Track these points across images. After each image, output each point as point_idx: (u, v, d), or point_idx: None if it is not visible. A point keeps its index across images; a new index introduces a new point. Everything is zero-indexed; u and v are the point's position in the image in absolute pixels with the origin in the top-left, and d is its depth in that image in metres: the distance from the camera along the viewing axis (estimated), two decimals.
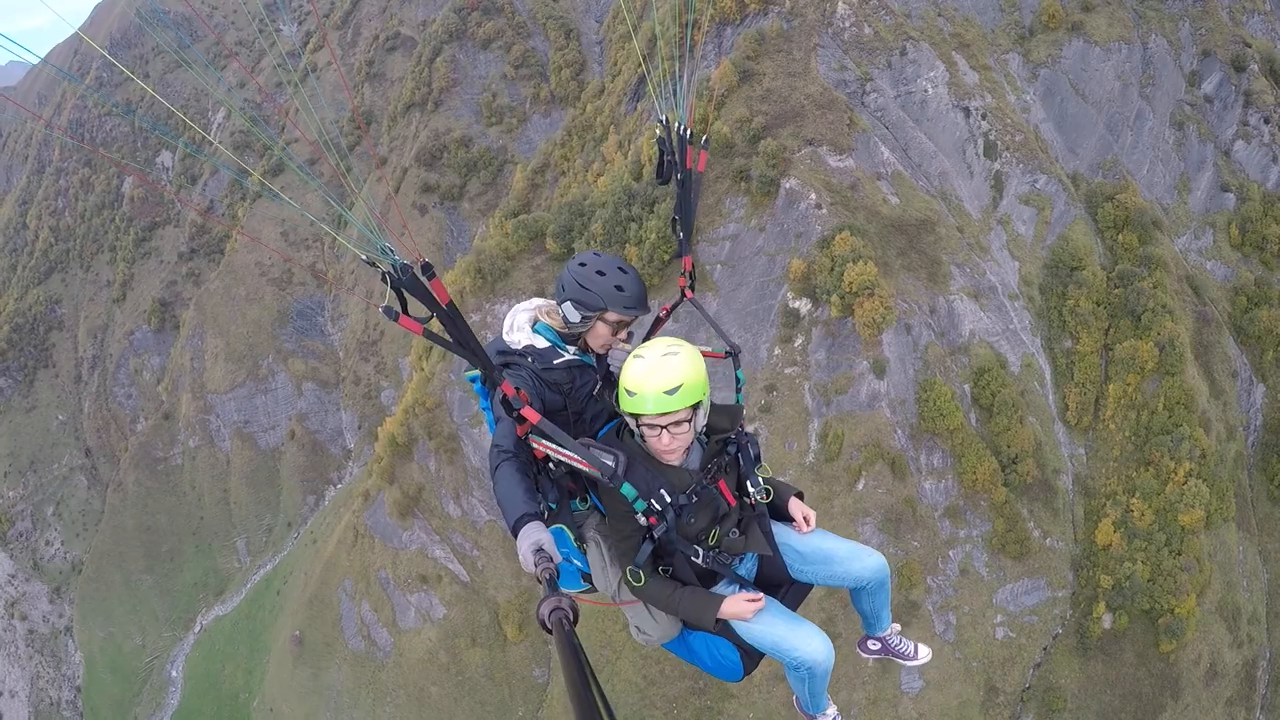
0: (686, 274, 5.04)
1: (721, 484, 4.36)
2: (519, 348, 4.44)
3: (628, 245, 62.32)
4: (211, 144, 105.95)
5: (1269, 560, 61.13)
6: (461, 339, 3.93)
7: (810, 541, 4.59)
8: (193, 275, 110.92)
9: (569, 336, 4.52)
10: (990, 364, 58.61)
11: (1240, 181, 68.72)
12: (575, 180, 79.47)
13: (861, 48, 66.00)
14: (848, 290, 55.14)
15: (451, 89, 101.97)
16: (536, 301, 4.71)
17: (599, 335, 4.49)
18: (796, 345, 58.56)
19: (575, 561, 4.54)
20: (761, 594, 4.33)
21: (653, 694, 55.47)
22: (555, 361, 4.41)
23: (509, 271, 67.77)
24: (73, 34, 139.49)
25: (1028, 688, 54.95)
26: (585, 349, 4.57)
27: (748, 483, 4.42)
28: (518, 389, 4.09)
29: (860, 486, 54.92)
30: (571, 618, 2.89)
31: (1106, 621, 55.85)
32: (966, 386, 58.39)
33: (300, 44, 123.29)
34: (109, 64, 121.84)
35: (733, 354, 4.80)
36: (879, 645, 5.23)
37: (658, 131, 4.88)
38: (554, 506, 4.45)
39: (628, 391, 4.03)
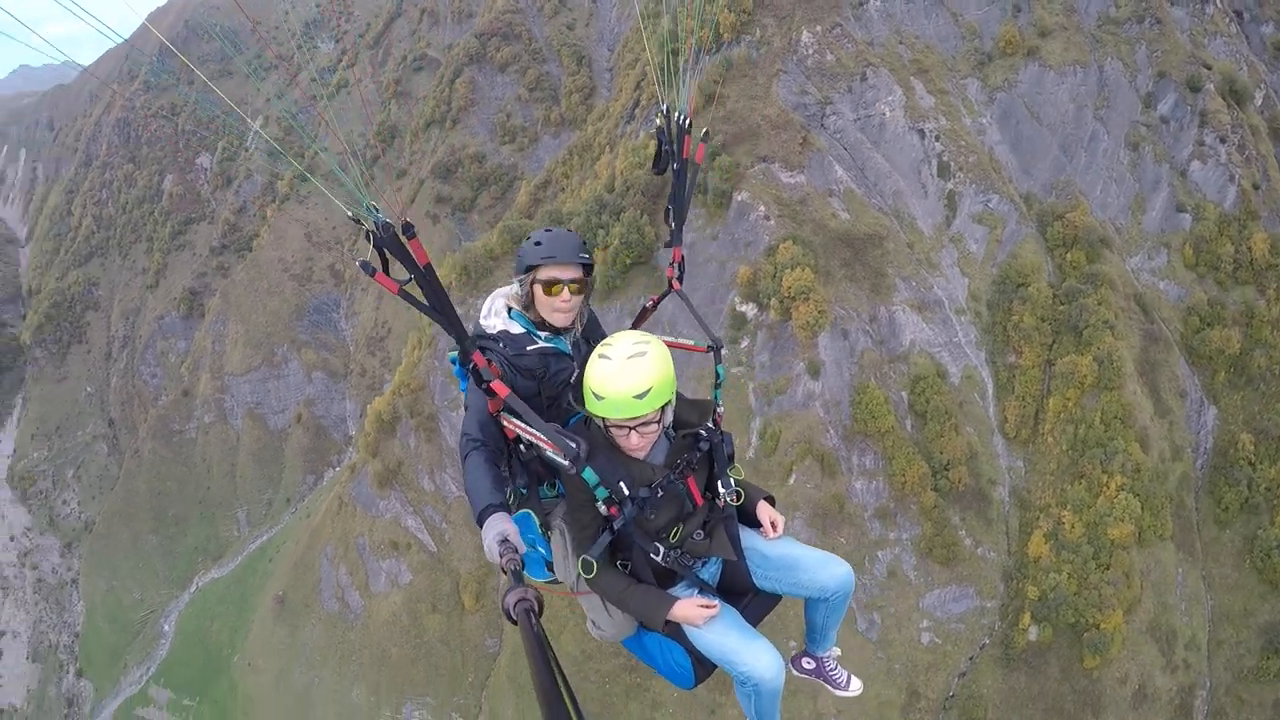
0: (675, 265, 4.89)
1: (690, 481, 4.15)
2: (494, 332, 4.34)
3: (595, 250, 66.96)
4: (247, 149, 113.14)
5: (1213, 586, 58.77)
6: (437, 303, 3.83)
7: (777, 547, 4.36)
8: (222, 269, 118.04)
9: (539, 322, 4.38)
10: (928, 373, 60.41)
11: (1196, 202, 67.12)
12: (571, 195, 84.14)
13: (824, 73, 69.81)
14: (785, 294, 58.69)
15: (469, 108, 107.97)
16: (514, 288, 4.56)
17: (544, 303, 4.32)
18: (743, 347, 61.76)
19: (540, 549, 4.40)
20: (717, 601, 4.15)
21: (588, 668, 57.27)
22: (529, 348, 4.30)
23: (491, 270, 73.36)
24: (125, 39, 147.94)
25: (951, 695, 54.94)
26: (557, 333, 4.42)
27: (719, 483, 4.23)
28: (489, 361, 4.05)
29: (792, 481, 57.03)
30: (537, 609, 2.84)
31: (1032, 633, 55.25)
32: (904, 393, 60.24)
33: (336, 60, 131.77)
34: (156, 69, 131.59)
35: (715, 348, 4.59)
36: (814, 666, 4.98)
37: (657, 121, 4.70)
38: (524, 491, 4.35)
39: (594, 395, 3.83)
